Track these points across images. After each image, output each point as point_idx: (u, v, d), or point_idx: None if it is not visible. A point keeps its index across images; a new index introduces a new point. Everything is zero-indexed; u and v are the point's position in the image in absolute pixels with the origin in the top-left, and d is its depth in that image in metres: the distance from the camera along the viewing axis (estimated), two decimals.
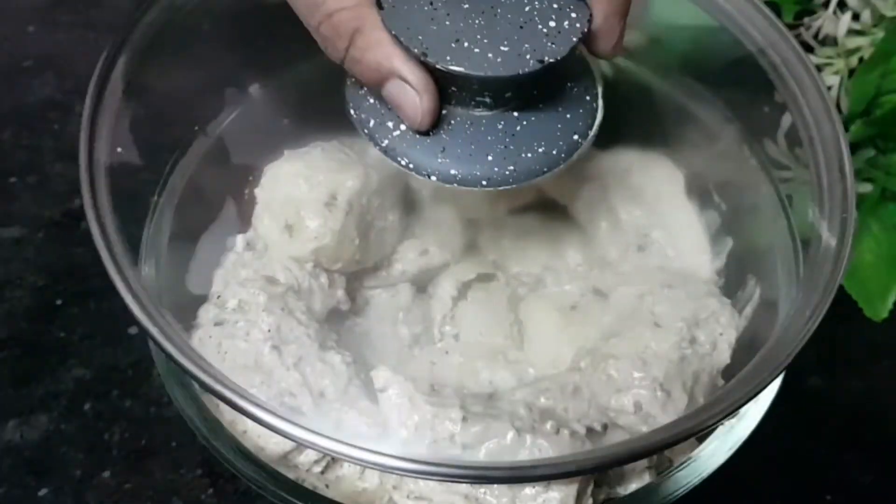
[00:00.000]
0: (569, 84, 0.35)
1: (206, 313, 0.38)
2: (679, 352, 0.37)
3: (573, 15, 0.32)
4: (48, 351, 0.51)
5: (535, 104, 0.34)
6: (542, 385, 0.38)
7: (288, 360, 0.36)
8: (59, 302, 0.53)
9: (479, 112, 0.34)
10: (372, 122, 0.34)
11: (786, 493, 0.46)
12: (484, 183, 0.33)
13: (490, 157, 0.33)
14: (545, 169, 0.34)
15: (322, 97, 0.34)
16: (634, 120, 0.44)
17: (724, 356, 0.38)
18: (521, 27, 0.31)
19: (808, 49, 0.56)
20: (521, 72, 0.31)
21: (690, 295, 0.39)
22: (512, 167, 0.33)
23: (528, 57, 0.31)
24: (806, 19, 0.57)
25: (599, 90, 0.36)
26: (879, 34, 0.53)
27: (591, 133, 0.35)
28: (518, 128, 0.34)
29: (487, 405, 0.36)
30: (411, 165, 0.33)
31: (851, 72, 0.54)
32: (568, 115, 0.35)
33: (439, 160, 0.33)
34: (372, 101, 0.34)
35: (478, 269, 0.44)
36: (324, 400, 0.36)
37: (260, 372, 0.35)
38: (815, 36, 0.57)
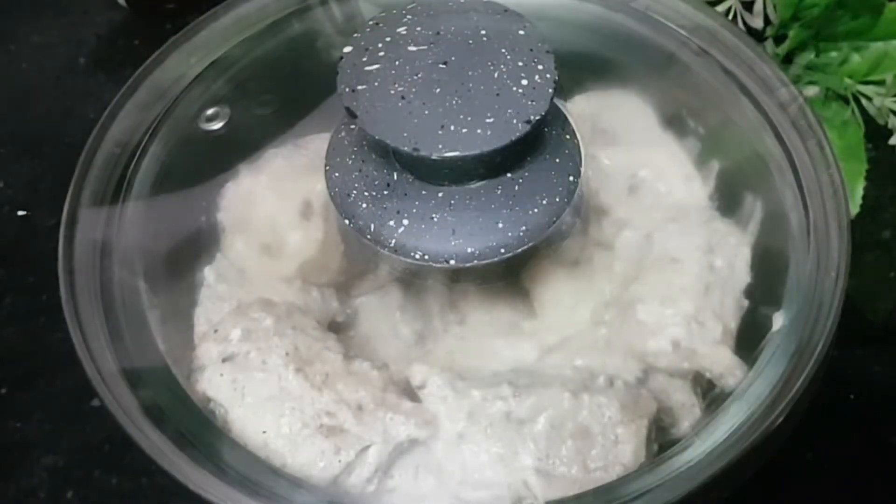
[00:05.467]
0: (546, 129, 0.35)
1: (208, 352, 0.34)
2: (703, 281, 0.37)
3: (540, 67, 0.32)
4: (8, 448, 0.47)
5: (524, 160, 0.34)
6: (571, 347, 0.37)
7: (315, 379, 0.33)
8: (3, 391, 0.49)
9: (475, 184, 0.33)
10: (373, 227, 0.33)
11: (786, 492, 0.46)
12: (503, 251, 0.33)
13: (500, 224, 0.33)
14: (554, 218, 0.34)
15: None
16: (587, 63, 0.43)
17: (743, 275, 0.38)
18: (498, 94, 0.31)
19: None
20: (513, 138, 0.30)
21: (697, 223, 0.38)
22: (524, 227, 0.33)
23: (514, 121, 0.31)
24: None
25: (573, 124, 0.36)
26: None
27: (582, 169, 0.35)
28: (516, 187, 0.34)
29: (532, 376, 0.34)
30: (426, 256, 0.33)
31: None
32: (557, 160, 0.35)
33: (453, 243, 0.33)
34: (365, 206, 0.33)
35: None
36: (363, 412, 0.33)
37: (288, 398, 0.32)
38: None
